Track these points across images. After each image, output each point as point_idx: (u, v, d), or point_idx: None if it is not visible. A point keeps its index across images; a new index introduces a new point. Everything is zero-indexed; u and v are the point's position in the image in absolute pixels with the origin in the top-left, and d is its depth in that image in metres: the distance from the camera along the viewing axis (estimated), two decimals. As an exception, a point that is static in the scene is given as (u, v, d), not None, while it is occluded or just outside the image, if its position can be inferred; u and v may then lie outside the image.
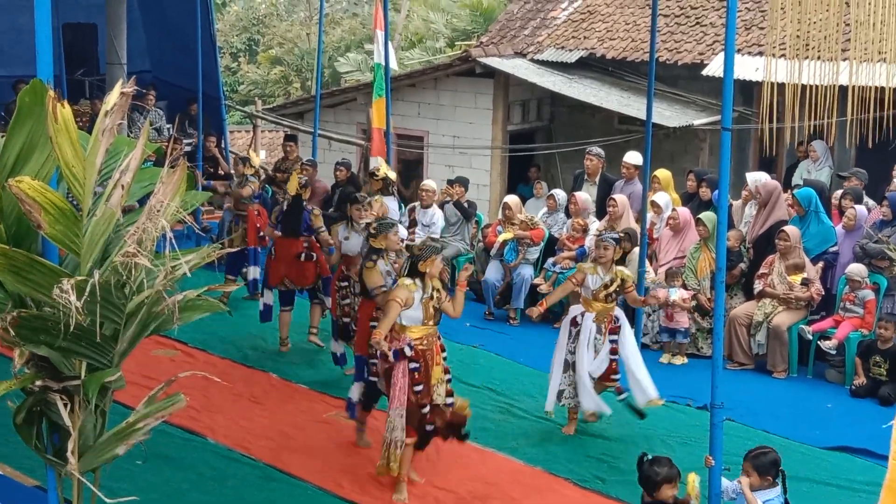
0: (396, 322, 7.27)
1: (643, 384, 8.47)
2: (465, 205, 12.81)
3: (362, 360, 8.17)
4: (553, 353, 8.60)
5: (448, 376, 7.58)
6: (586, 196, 12.04)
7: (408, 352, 7.25)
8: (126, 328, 4.68)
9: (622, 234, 8.76)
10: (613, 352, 8.43)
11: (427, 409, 7.34)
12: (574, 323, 8.44)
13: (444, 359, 7.55)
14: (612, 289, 8.33)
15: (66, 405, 4.71)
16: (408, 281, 7.27)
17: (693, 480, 6.02)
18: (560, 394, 8.51)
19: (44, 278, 4.38)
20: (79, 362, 4.72)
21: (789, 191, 11.94)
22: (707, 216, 10.69)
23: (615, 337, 8.45)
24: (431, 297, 7.31)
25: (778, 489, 6.01)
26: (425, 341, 7.33)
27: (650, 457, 6.00)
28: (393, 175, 11.72)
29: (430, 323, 7.34)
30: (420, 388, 7.29)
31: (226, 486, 7.55)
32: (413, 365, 7.27)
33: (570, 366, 8.45)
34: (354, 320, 8.74)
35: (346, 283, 9.07)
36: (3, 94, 14.33)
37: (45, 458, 4.94)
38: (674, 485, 5.92)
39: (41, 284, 4.39)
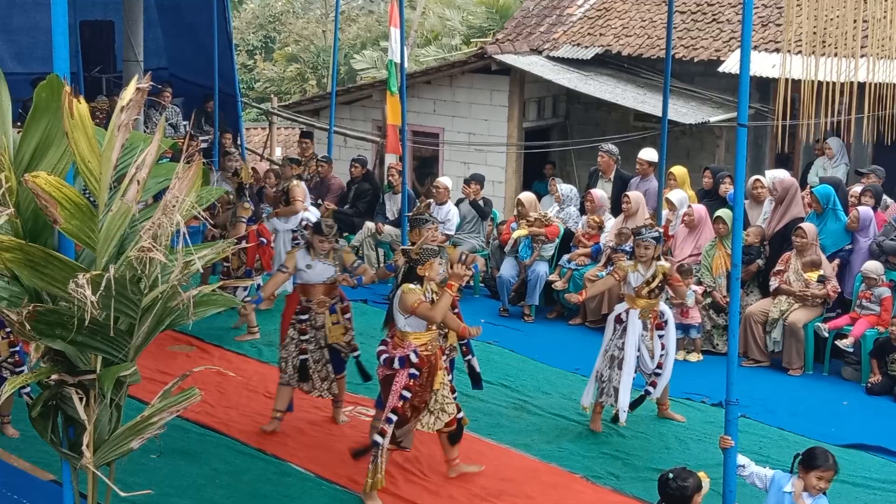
0: (399, 329, 7.16)
1: (662, 381, 8.57)
2: (481, 203, 12.81)
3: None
4: (598, 351, 8.55)
5: (450, 376, 7.55)
6: (602, 193, 12.01)
7: (413, 359, 7.10)
8: (141, 323, 4.70)
9: (660, 232, 8.78)
10: (661, 347, 8.48)
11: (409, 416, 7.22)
12: (619, 320, 8.45)
13: (446, 361, 7.50)
14: (654, 285, 8.37)
15: (81, 399, 4.74)
16: (413, 286, 7.10)
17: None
18: (602, 390, 8.48)
19: (59, 273, 4.41)
20: (94, 356, 4.75)
21: (808, 188, 11.88)
22: (725, 213, 10.65)
23: (662, 332, 8.49)
24: (432, 301, 7.14)
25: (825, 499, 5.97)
26: (429, 346, 7.21)
27: (671, 475, 5.89)
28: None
29: (433, 327, 7.22)
30: (409, 395, 7.12)
31: (241, 481, 7.57)
32: (413, 372, 7.12)
33: (615, 362, 8.43)
34: (316, 360, 8.36)
35: (305, 317, 8.27)
36: (21, 91, 14.40)
37: (61, 452, 4.97)
38: (700, 491, 5.88)
39: (57, 279, 4.42)
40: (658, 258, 8.51)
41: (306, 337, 8.27)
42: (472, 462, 7.81)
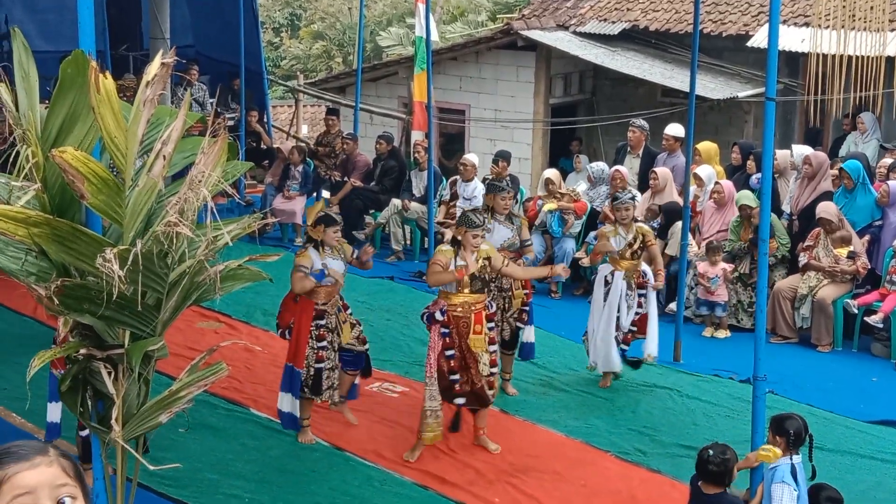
0: (441, 288, 7.43)
1: (650, 338, 8.79)
2: (509, 182, 12.75)
3: (292, 370, 7.60)
4: (590, 313, 8.86)
5: (493, 347, 7.62)
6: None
7: (439, 317, 7.35)
8: (168, 297, 4.72)
9: (632, 195, 9.10)
10: (639, 304, 8.74)
11: (457, 376, 7.39)
12: (605, 282, 8.74)
13: (491, 329, 7.59)
14: (636, 246, 8.65)
15: (109, 373, 4.77)
16: (445, 247, 7.46)
17: None
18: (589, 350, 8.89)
19: (87, 248, 4.43)
20: (122, 331, 4.78)
21: (835, 163, 11.77)
22: (743, 197, 10.62)
23: (643, 291, 8.77)
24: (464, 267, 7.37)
25: (791, 458, 5.94)
26: (460, 309, 7.38)
27: (710, 451, 5.88)
28: None
29: (466, 291, 7.38)
30: (451, 353, 7.36)
31: (268, 456, 7.61)
32: (443, 330, 7.37)
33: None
34: (331, 368, 7.77)
35: (324, 322, 7.59)
36: (49, 69, 14.42)
37: (90, 426, 5.01)
38: (737, 462, 5.94)
39: (84, 254, 4.44)
40: (635, 220, 8.86)
41: (324, 343, 7.62)
42: (497, 440, 7.83)
